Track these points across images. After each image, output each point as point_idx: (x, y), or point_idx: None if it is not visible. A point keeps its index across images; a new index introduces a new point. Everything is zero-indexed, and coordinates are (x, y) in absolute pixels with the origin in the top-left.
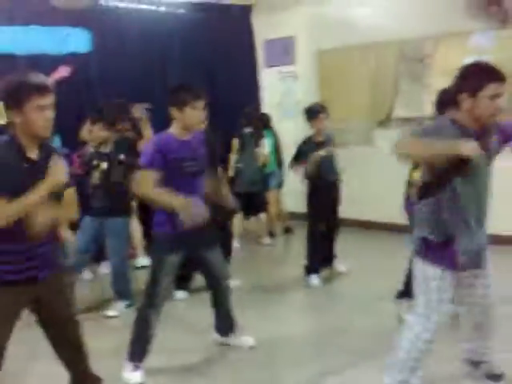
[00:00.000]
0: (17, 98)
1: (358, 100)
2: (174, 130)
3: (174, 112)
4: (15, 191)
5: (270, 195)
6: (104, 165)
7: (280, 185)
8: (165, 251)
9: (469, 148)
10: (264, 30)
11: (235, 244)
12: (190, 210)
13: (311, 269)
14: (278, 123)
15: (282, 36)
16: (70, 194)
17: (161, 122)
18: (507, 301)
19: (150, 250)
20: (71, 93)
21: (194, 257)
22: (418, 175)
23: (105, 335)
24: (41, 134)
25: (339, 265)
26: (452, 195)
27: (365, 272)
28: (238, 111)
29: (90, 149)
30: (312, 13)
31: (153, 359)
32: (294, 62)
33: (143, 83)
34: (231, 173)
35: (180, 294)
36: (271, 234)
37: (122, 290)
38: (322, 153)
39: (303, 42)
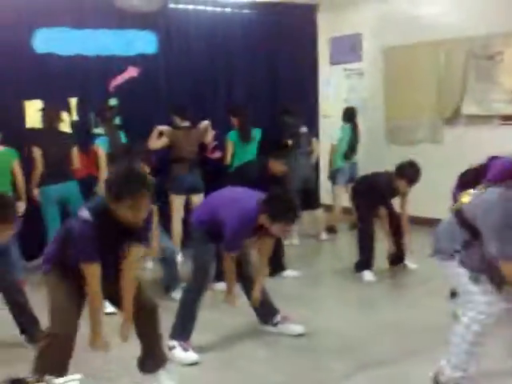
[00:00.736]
0: (114, 193)
1: (425, 97)
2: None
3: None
4: None
5: (336, 191)
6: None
7: (351, 180)
8: (205, 239)
9: None
10: (330, 27)
11: (294, 240)
12: None
13: (363, 264)
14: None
15: (348, 33)
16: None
17: (223, 123)
18: None
19: (190, 241)
20: (139, 93)
21: None
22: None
23: None
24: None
25: (409, 262)
26: None
27: (426, 269)
28: (299, 108)
29: None
30: (378, 10)
31: (201, 342)
32: (361, 58)
33: (208, 83)
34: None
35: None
36: (332, 230)
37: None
38: None
39: (369, 39)
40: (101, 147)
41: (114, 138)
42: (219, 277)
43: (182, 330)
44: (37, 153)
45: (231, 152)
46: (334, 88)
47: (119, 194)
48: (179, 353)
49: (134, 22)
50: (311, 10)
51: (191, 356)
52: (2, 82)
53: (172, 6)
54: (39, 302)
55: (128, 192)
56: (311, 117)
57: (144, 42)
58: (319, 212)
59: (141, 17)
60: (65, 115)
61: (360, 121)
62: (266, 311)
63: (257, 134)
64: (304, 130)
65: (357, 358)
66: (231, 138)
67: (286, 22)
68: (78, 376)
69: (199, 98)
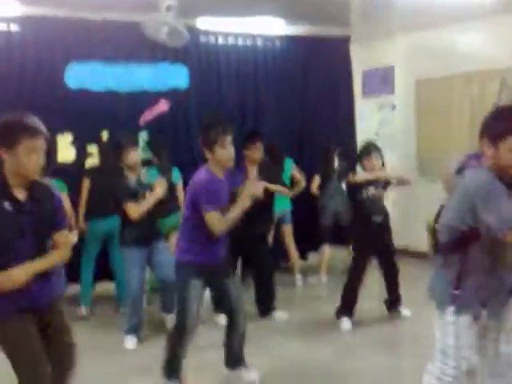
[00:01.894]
0: (8, 137)
1: (458, 130)
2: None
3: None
4: None
5: None
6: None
7: None
8: (189, 275)
9: None
10: (361, 60)
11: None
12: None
13: (343, 311)
14: None
15: (380, 66)
16: (64, 236)
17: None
18: None
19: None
20: (169, 127)
21: (215, 285)
22: None
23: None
24: (29, 175)
25: (404, 309)
26: None
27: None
28: (334, 141)
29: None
30: (411, 42)
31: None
32: (393, 91)
33: (239, 116)
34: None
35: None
36: None
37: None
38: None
39: (401, 72)
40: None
41: (166, 172)
42: (218, 308)
43: (169, 370)
44: (85, 183)
45: None
46: (366, 121)
47: (14, 136)
48: None
49: (165, 56)
50: (343, 43)
51: None
52: (35, 115)
53: (203, 39)
54: None
55: (23, 133)
56: (349, 151)
57: (176, 76)
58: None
59: (173, 51)
60: (94, 149)
61: (391, 154)
62: (234, 359)
63: (287, 164)
64: (338, 164)
65: None
66: None
67: (317, 54)
68: None
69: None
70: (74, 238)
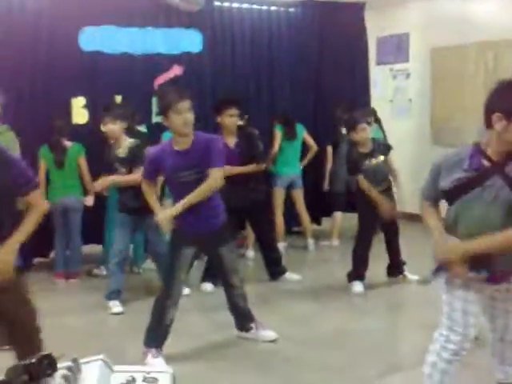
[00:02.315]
0: None
1: (473, 99)
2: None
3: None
4: None
5: None
6: (123, 170)
7: None
8: (181, 243)
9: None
10: (376, 26)
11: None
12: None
13: (355, 275)
14: (389, 121)
15: (395, 33)
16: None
17: (266, 122)
18: None
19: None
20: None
21: (209, 252)
22: None
23: None
24: None
25: (410, 274)
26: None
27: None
28: (342, 108)
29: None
30: (426, 9)
31: (178, 347)
32: (408, 59)
33: (252, 81)
34: (326, 185)
35: (207, 286)
36: None
37: None
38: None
39: (417, 40)
40: None
41: None
42: (205, 277)
43: (152, 337)
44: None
45: (278, 143)
46: (380, 89)
47: None
48: (149, 359)
49: (179, 21)
50: (358, 9)
51: (158, 363)
52: (50, 79)
53: (217, 3)
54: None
55: None
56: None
57: (189, 41)
58: None
59: (187, 15)
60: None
61: (406, 122)
62: (242, 318)
63: (299, 129)
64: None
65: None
66: (278, 129)
67: (332, 20)
68: (100, 356)
69: (243, 97)
70: (90, 201)
